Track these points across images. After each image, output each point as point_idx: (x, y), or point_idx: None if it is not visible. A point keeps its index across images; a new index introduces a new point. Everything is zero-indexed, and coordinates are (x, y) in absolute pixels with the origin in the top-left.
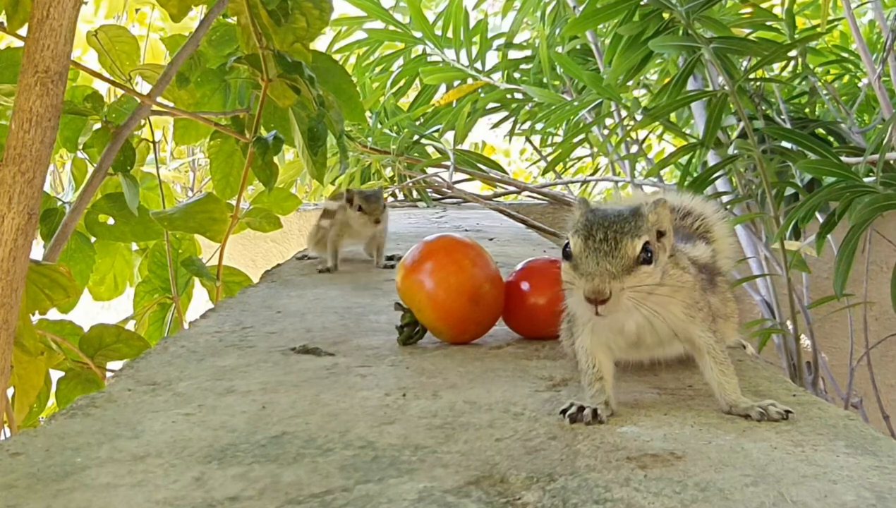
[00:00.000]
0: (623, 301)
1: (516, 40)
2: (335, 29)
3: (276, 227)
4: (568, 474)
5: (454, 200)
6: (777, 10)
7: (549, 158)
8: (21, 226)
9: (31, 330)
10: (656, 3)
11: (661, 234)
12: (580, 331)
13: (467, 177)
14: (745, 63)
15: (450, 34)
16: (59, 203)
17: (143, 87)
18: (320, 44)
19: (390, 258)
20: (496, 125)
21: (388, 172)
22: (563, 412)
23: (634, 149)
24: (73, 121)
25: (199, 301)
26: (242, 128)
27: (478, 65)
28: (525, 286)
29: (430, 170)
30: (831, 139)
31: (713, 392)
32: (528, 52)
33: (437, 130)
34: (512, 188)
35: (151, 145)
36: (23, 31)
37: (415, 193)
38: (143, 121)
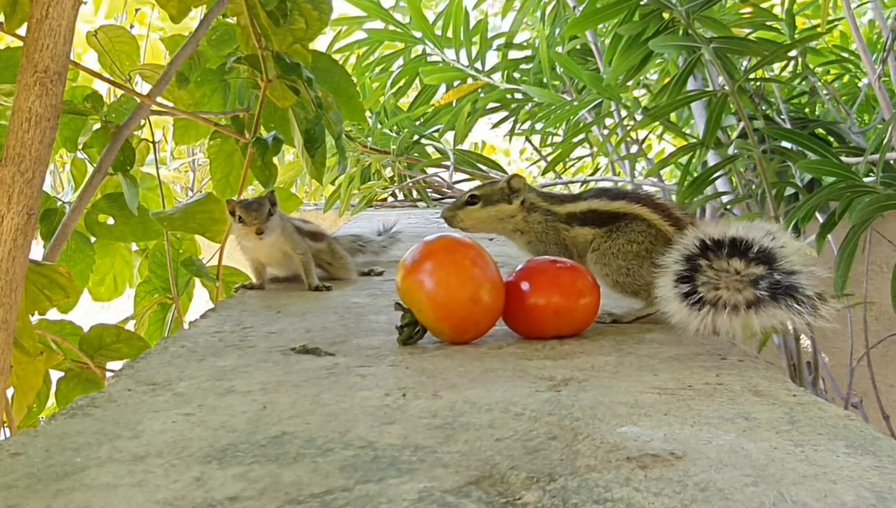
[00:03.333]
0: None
1: (516, 40)
2: (335, 29)
3: None
4: (568, 474)
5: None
6: (777, 10)
7: (549, 158)
8: (20, 225)
9: (30, 330)
10: (656, 3)
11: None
12: None
13: (467, 177)
14: (745, 63)
15: (450, 34)
16: (59, 203)
17: (143, 87)
18: (320, 44)
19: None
20: (496, 125)
21: (388, 172)
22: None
23: (634, 149)
24: (72, 120)
25: (200, 301)
26: (242, 127)
27: (478, 65)
28: (525, 286)
29: (430, 170)
30: (831, 139)
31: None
32: (528, 52)
33: (437, 130)
34: None
35: (151, 145)
36: (22, 31)
37: (415, 193)
38: (142, 122)
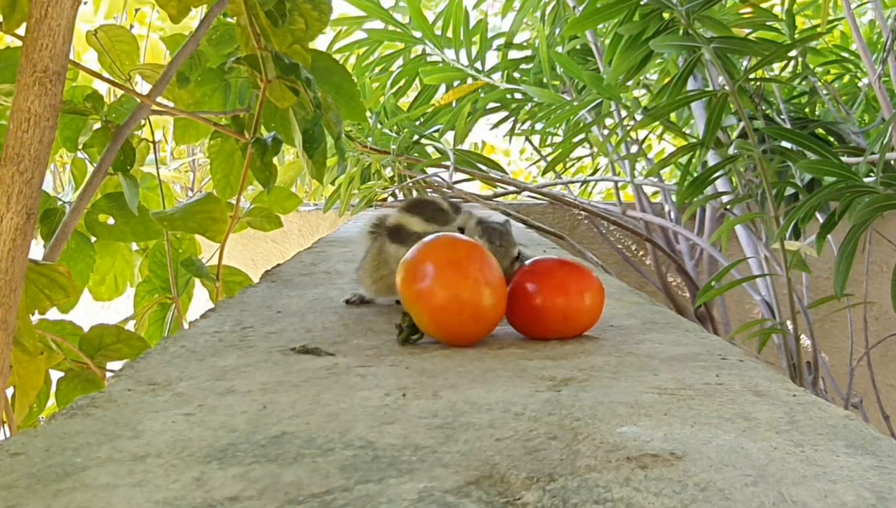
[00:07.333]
0: None
1: (516, 40)
2: (335, 29)
3: (277, 226)
4: (568, 474)
5: (454, 200)
6: (777, 10)
7: (549, 158)
8: (19, 225)
9: (30, 329)
10: (656, 3)
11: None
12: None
13: (467, 177)
14: (745, 63)
15: (450, 34)
16: (59, 203)
17: (143, 87)
18: (320, 44)
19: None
20: (496, 125)
21: (388, 172)
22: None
23: (634, 149)
24: (73, 120)
25: (200, 301)
26: (242, 127)
27: (478, 65)
28: (531, 287)
29: (430, 170)
30: (831, 139)
31: None
32: (528, 52)
33: (437, 130)
34: (512, 188)
35: (151, 145)
36: (21, 31)
37: (415, 193)
38: (143, 121)
